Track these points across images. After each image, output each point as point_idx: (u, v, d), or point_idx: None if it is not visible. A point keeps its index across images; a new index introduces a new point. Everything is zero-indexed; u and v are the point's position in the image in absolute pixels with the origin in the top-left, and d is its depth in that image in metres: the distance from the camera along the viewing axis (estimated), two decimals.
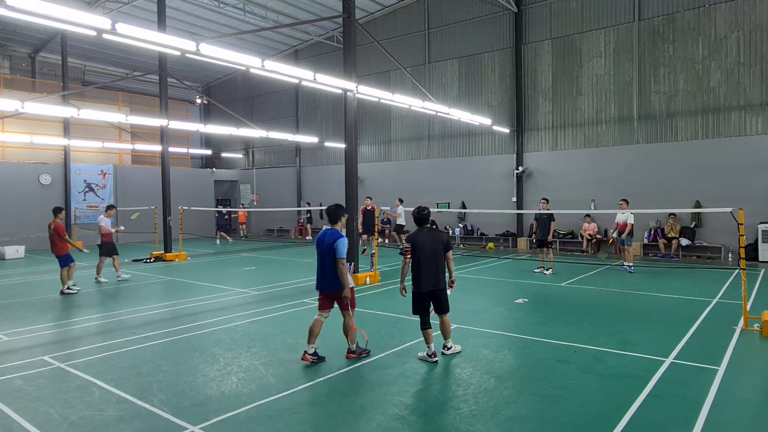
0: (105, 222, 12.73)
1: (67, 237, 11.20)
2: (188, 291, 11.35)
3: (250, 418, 4.65)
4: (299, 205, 26.83)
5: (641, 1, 17.22)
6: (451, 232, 21.81)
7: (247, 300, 10.25)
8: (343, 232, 6.29)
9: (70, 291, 10.98)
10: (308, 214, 25.73)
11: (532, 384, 5.40)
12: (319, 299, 6.33)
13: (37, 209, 21.36)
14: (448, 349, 6.50)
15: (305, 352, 6.15)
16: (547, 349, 6.61)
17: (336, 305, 6.34)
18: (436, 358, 6.21)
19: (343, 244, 5.96)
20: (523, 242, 19.58)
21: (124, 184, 24.65)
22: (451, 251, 6.42)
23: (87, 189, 23.54)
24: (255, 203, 29.42)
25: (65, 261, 11.04)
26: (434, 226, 6.70)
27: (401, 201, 19.97)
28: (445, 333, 6.50)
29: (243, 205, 29.90)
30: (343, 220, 6.29)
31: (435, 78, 22.12)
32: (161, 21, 16.86)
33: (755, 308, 8.53)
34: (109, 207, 13.12)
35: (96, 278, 12.61)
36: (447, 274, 6.42)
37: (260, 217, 29.70)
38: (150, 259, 16.87)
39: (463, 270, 14.01)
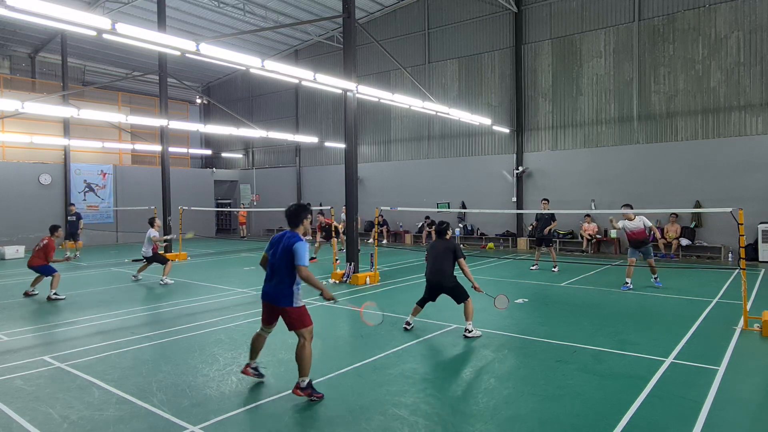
0: (155, 234, 12.53)
1: (53, 257, 10.69)
2: (188, 291, 11.34)
3: (250, 418, 4.65)
4: None
5: (641, 1, 17.23)
6: (451, 232, 21.77)
7: (247, 300, 10.24)
8: (306, 237, 5.24)
9: (58, 297, 10.49)
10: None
11: (532, 384, 5.40)
12: (262, 311, 5.38)
13: (37, 209, 21.38)
14: (469, 332, 7.25)
15: (247, 364, 5.55)
16: (547, 349, 6.61)
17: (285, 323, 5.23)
18: (408, 327, 7.58)
19: (303, 248, 4.95)
20: (523, 242, 19.58)
21: (124, 184, 24.64)
22: (462, 258, 7.36)
23: (87, 189, 23.53)
24: (255, 203, 29.43)
25: (49, 270, 10.60)
26: (434, 226, 7.55)
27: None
28: (465, 316, 7.33)
29: (243, 204, 29.91)
30: (306, 223, 5.25)
31: (435, 78, 22.12)
32: (161, 21, 16.86)
33: (755, 308, 8.53)
34: (154, 220, 12.86)
35: (162, 280, 12.37)
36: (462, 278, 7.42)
37: (260, 217, 29.69)
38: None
39: None
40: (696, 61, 16.41)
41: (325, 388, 5.33)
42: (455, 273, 7.41)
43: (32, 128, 21.44)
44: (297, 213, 5.21)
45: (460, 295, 7.33)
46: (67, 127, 22.32)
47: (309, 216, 5.32)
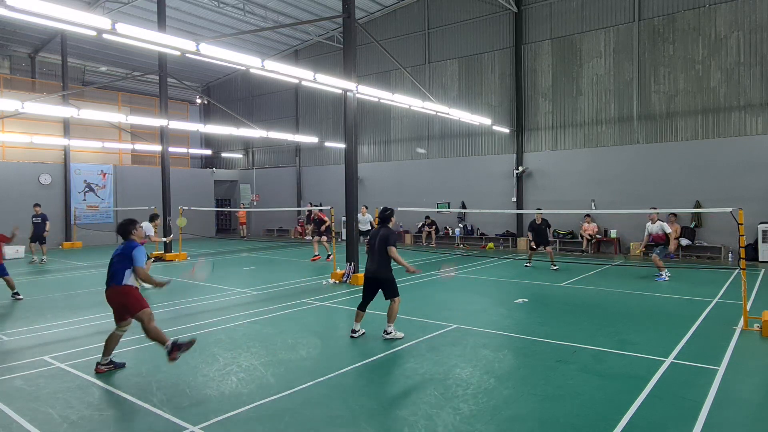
0: (151, 232, 12.08)
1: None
2: (188, 291, 11.34)
3: (250, 418, 4.65)
4: (299, 205, 26.83)
5: (641, 1, 17.22)
6: (450, 232, 21.82)
7: (247, 300, 10.24)
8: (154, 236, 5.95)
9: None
10: (310, 214, 25.72)
11: (532, 384, 5.40)
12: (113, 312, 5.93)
13: None
14: (388, 333, 7.12)
15: (98, 363, 5.90)
16: (547, 349, 6.61)
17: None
18: (354, 335, 7.21)
19: (140, 252, 5.81)
20: (523, 242, 19.56)
21: (124, 184, 24.64)
22: (392, 246, 7.07)
23: (87, 189, 23.53)
24: (255, 203, 29.42)
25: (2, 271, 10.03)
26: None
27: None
28: (388, 316, 7.18)
29: (243, 205, 29.91)
30: (136, 233, 6.04)
31: (435, 78, 22.12)
32: (161, 21, 16.86)
33: (755, 308, 8.53)
34: (156, 216, 12.39)
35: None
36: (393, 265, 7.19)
37: (260, 217, 29.70)
38: (150, 259, 16.82)
39: (463, 270, 14.01)
40: (696, 61, 16.41)
41: (325, 388, 5.34)
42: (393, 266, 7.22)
43: (32, 128, 21.43)
44: (124, 227, 6.07)
45: (391, 291, 7.13)
46: (67, 127, 22.32)
47: (138, 227, 6.16)
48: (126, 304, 5.76)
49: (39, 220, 16.87)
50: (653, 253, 12.00)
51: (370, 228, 15.79)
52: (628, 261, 15.86)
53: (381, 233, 7.27)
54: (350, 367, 5.99)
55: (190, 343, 5.68)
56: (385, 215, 7.46)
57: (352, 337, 7.23)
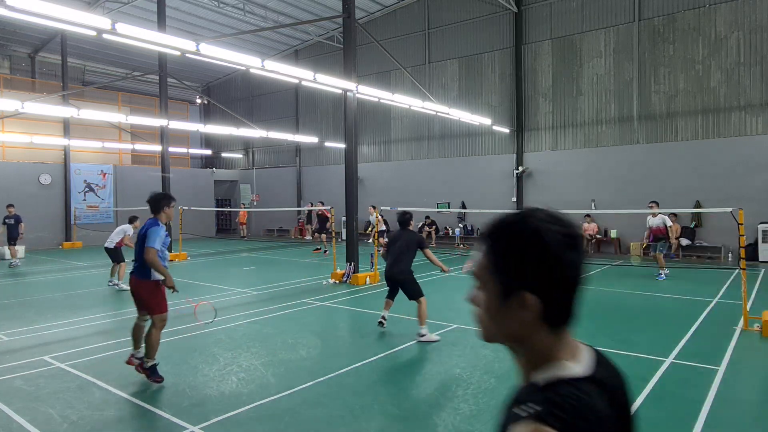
0: (131, 233, 11.54)
1: None
2: (188, 291, 11.32)
3: (250, 418, 4.65)
4: (299, 205, 26.83)
5: (641, 1, 17.22)
6: (450, 232, 21.82)
7: (247, 300, 10.24)
8: (167, 224, 5.81)
9: None
10: (310, 213, 25.71)
11: None
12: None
13: (37, 209, 21.38)
14: (421, 336, 6.98)
15: (132, 355, 5.78)
16: None
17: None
18: (382, 321, 7.45)
19: (154, 232, 5.37)
20: None
21: (123, 184, 24.63)
22: (427, 249, 7.30)
23: (87, 189, 23.53)
24: (255, 203, 29.42)
25: None
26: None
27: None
28: (418, 318, 7.08)
29: (243, 205, 29.91)
30: (168, 211, 5.67)
31: (435, 78, 22.12)
32: (161, 21, 16.86)
33: (755, 308, 8.52)
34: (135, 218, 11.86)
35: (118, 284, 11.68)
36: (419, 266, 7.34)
37: (260, 217, 29.69)
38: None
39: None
40: (696, 61, 16.40)
41: (325, 388, 5.34)
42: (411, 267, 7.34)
43: (32, 128, 21.43)
44: (157, 201, 5.61)
45: (413, 292, 7.17)
46: (67, 127, 22.30)
47: (171, 204, 5.72)
48: (145, 302, 5.66)
49: (12, 221, 16.04)
50: (656, 251, 12.03)
51: (384, 228, 16.19)
52: (630, 261, 15.86)
53: (407, 237, 7.35)
54: (350, 367, 5.99)
55: (160, 378, 5.52)
56: (405, 219, 7.55)
57: (381, 323, 7.44)
